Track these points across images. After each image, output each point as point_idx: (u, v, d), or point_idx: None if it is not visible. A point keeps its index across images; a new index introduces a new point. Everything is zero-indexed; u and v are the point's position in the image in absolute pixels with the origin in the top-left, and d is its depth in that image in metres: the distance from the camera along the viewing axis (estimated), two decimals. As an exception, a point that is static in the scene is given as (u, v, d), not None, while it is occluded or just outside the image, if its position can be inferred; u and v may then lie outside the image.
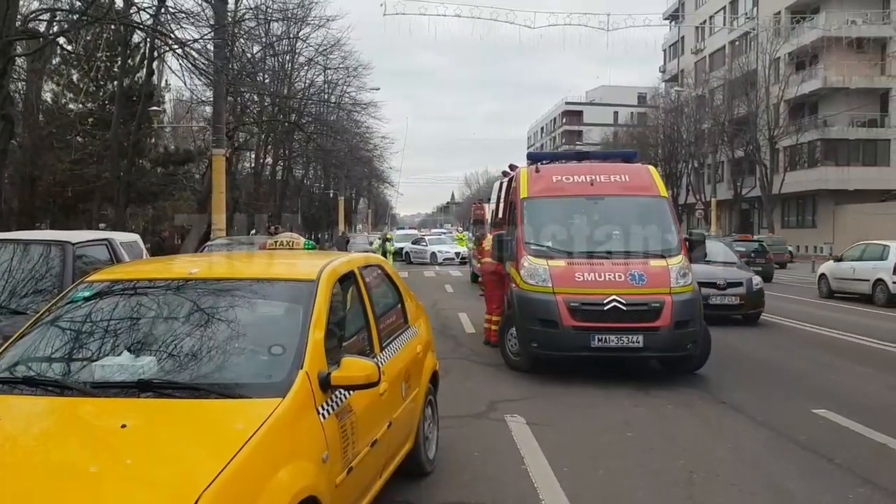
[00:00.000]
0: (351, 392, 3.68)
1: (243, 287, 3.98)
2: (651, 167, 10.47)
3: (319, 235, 50.59)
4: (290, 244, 4.99)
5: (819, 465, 5.74)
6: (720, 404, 7.71)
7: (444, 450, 5.74)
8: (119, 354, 3.57)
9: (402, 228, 72.26)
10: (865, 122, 47.17)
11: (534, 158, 10.65)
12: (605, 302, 8.41)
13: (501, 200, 11.62)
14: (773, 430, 6.71)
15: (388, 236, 26.11)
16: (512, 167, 11.61)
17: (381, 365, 3.64)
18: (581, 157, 11.06)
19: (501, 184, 12.09)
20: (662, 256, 8.91)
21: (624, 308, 8.39)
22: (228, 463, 2.72)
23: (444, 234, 44.33)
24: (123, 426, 2.97)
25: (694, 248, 9.24)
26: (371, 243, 33.46)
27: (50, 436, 3.09)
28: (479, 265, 12.51)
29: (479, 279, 13.09)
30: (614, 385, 8.40)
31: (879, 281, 19.05)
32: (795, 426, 6.82)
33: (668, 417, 7.16)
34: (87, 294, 4.02)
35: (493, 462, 5.76)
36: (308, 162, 44.48)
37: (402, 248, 38.32)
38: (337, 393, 3.59)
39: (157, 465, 2.73)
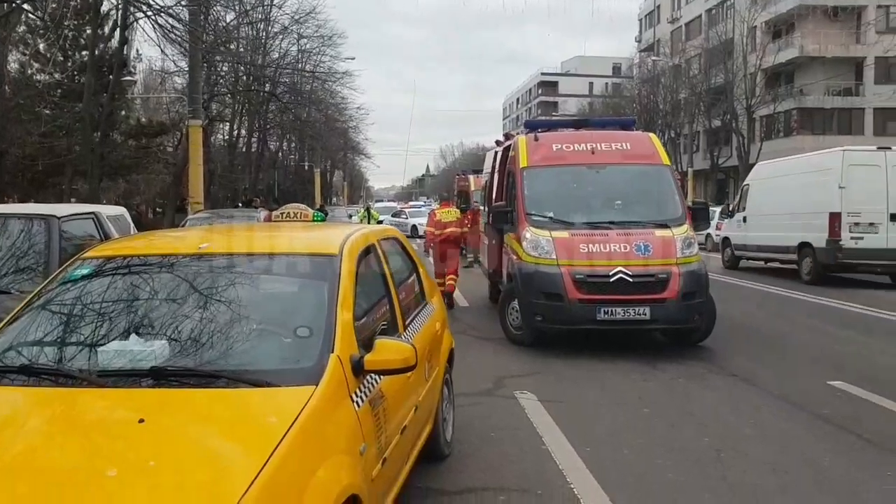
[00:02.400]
0: (381, 376, 3.37)
1: (260, 263, 3.63)
2: (652, 135, 10.20)
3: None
4: (298, 216, 4.62)
5: (849, 441, 5.55)
6: (731, 377, 7.52)
7: (458, 430, 5.46)
8: (126, 338, 3.22)
9: (381, 201, 71.57)
10: (841, 91, 47.32)
11: (531, 126, 10.33)
12: (610, 274, 8.16)
13: (496, 171, 11.30)
14: (792, 404, 6.52)
15: (373, 212, 25.62)
16: (507, 136, 11.28)
17: (415, 347, 3.32)
18: (579, 124, 10.74)
19: (496, 153, 11.75)
20: (667, 226, 8.67)
21: (630, 280, 8.14)
22: (266, 463, 2.40)
23: (424, 206, 43.88)
24: (141, 421, 2.62)
25: (697, 217, 8.99)
26: (351, 216, 32.94)
27: (54, 433, 2.72)
28: (433, 234, 12.47)
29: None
30: (620, 358, 8.18)
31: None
32: (814, 399, 6.63)
33: (681, 392, 6.95)
34: (85, 272, 3.65)
35: (511, 442, 5.50)
36: (283, 133, 43.76)
37: (381, 222, 37.87)
38: (368, 378, 3.28)
39: (184, 467, 2.40)
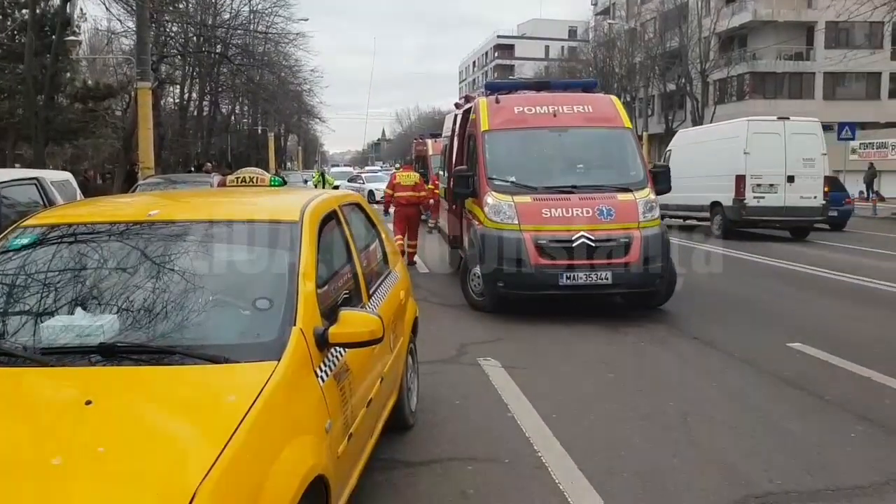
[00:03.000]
0: (346, 349, 3.22)
1: (214, 231, 3.41)
2: (614, 97, 10.09)
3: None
4: (255, 180, 4.40)
5: (811, 403, 5.58)
6: (693, 340, 7.54)
7: (421, 399, 5.36)
8: (72, 313, 3.00)
9: (337, 166, 70.60)
10: (793, 55, 47.89)
11: (492, 88, 10.13)
12: (573, 238, 8.09)
13: (456, 134, 11.10)
14: (754, 367, 6.55)
15: (328, 178, 25.24)
16: (467, 98, 11.07)
17: (382, 318, 3.17)
18: (541, 86, 10.57)
19: (455, 116, 11.54)
20: (629, 190, 8.61)
21: (592, 244, 8.08)
22: (225, 446, 2.23)
23: (380, 171, 43.43)
24: (89, 403, 2.43)
25: (659, 181, 8.94)
26: (306, 181, 32.43)
27: None
28: (390, 196, 12.61)
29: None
30: (582, 323, 8.15)
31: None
32: (775, 361, 6.67)
33: (644, 355, 6.94)
34: (24, 241, 3.40)
35: (477, 411, 5.41)
36: (236, 96, 42.75)
37: (337, 187, 37.41)
38: (333, 351, 3.12)
39: (136, 453, 2.22)
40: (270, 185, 4.49)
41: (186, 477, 2.11)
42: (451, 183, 9.60)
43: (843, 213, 19.98)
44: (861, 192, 33.38)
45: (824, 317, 8.76)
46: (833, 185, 18.55)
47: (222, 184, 4.65)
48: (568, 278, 8.06)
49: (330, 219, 3.81)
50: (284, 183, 4.75)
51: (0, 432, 2.35)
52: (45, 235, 3.43)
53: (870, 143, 34.71)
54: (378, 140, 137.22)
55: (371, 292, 4.07)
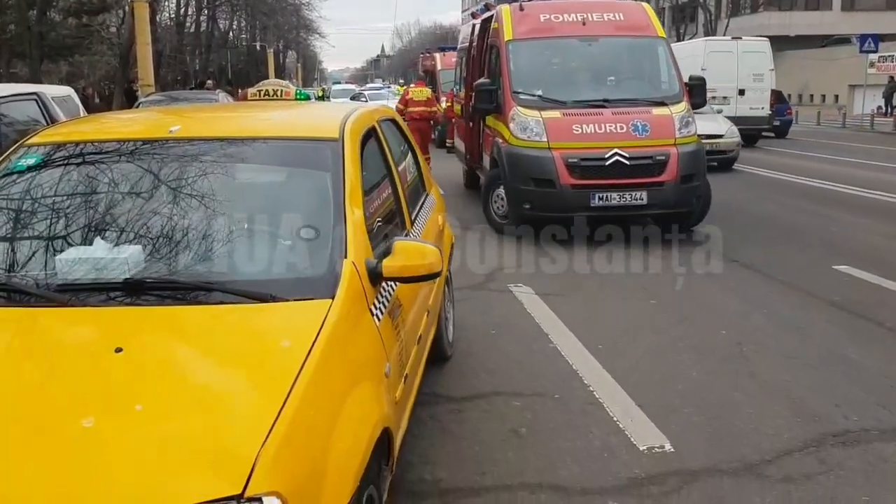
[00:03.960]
0: (397, 283, 2.86)
1: (245, 149, 3.01)
2: (646, 4, 9.46)
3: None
4: (279, 93, 3.96)
5: (869, 330, 5.26)
6: (732, 263, 7.18)
7: (455, 328, 5.04)
8: (89, 244, 2.63)
9: (338, 83, 68.99)
10: (810, -36, 46.04)
11: (516, -6, 9.48)
12: (606, 156, 7.64)
13: (475, 46, 10.50)
14: (801, 291, 6.22)
15: (326, 92, 24.53)
16: (487, 6, 10.41)
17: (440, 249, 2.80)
18: (566, -8, 9.90)
19: (473, 26, 10.89)
20: (664, 104, 8.12)
21: (627, 162, 7.65)
22: (285, 402, 1.89)
23: (383, 89, 42.37)
24: (118, 350, 2.08)
25: (695, 94, 8.43)
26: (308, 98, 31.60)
27: (5, 368, 2.13)
28: (401, 111, 12.24)
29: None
30: (614, 246, 7.76)
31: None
32: (822, 285, 6.34)
33: (686, 281, 6.59)
34: (31, 162, 3.00)
35: (515, 341, 5.10)
36: (234, 11, 41.37)
37: (340, 104, 36.54)
38: (384, 285, 2.76)
39: (180, 412, 1.88)
40: (296, 99, 4.06)
41: (243, 440, 1.78)
42: (473, 98, 9.07)
43: (784, 122, 22.52)
44: (879, 108, 32.58)
45: (860, 236, 8.38)
46: (778, 98, 21.37)
47: (243, 98, 4.20)
48: (600, 199, 7.66)
49: (370, 136, 3.39)
50: (309, 97, 4.31)
51: (16, 387, 2.00)
52: (54, 155, 3.03)
53: (889, 56, 33.62)
54: (378, 56, 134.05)
55: (413, 218, 3.69)
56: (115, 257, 2.50)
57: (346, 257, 2.52)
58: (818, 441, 3.66)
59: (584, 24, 8.58)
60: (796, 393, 4.20)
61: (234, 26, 46.19)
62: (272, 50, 50.46)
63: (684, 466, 3.44)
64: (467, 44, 11.34)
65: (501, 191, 8.34)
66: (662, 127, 7.84)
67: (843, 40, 39.18)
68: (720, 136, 14.11)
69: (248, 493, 1.68)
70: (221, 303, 2.34)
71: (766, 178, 13.56)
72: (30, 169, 2.98)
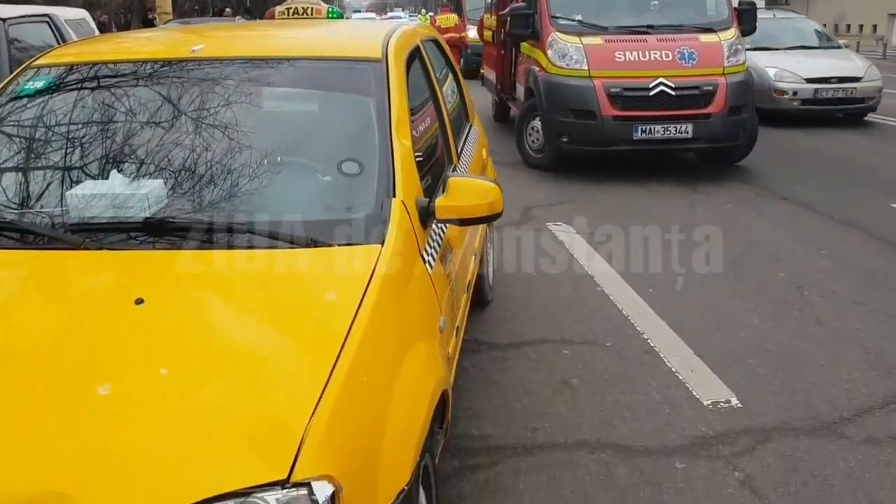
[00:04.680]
0: (446, 225, 2.54)
1: (276, 71, 2.66)
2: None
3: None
4: (310, 11, 3.58)
5: (943, 275, 4.91)
6: (782, 200, 6.78)
7: (494, 271, 4.74)
8: (104, 178, 2.33)
9: (359, 11, 67.38)
10: None
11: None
12: (651, 86, 7.18)
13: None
14: (861, 231, 5.83)
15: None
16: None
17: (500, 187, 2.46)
18: None
19: (506, -52, 10.27)
20: (712, 30, 7.58)
21: (672, 93, 7.18)
22: (334, 366, 1.61)
23: (405, 17, 41.23)
24: (139, 302, 1.80)
25: (745, 19, 7.89)
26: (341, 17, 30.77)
27: (4, 322, 1.86)
28: None
29: None
30: (656, 182, 7.37)
31: None
32: (883, 225, 5.94)
33: (734, 219, 6.21)
34: (39, 85, 2.68)
35: (558, 285, 4.79)
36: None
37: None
38: (434, 228, 2.44)
39: (211, 378, 1.60)
40: (328, 18, 3.68)
41: (287, 413, 1.50)
42: (507, 24, 8.56)
43: None
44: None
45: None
46: None
47: (271, 16, 3.83)
48: (643, 132, 7.22)
49: (414, 58, 3.02)
50: (342, 16, 3.93)
51: (18, 346, 1.73)
52: (65, 77, 2.70)
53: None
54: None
55: (458, 152, 3.35)
56: (134, 193, 2.20)
57: (394, 196, 2.21)
58: (900, 397, 3.35)
59: (626, -58, 8.00)
60: (870, 343, 3.88)
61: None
62: (291, -22, 49.13)
63: (754, 424, 3.15)
64: (499, -33, 10.71)
65: (537, 123, 7.92)
66: (710, 55, 7.34)
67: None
68: (857, 80, 10.62)
69: (294, 478, 1.40)
70: (254, 247, 2.04)
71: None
72: (38, 93, 2.67)
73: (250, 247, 2.04)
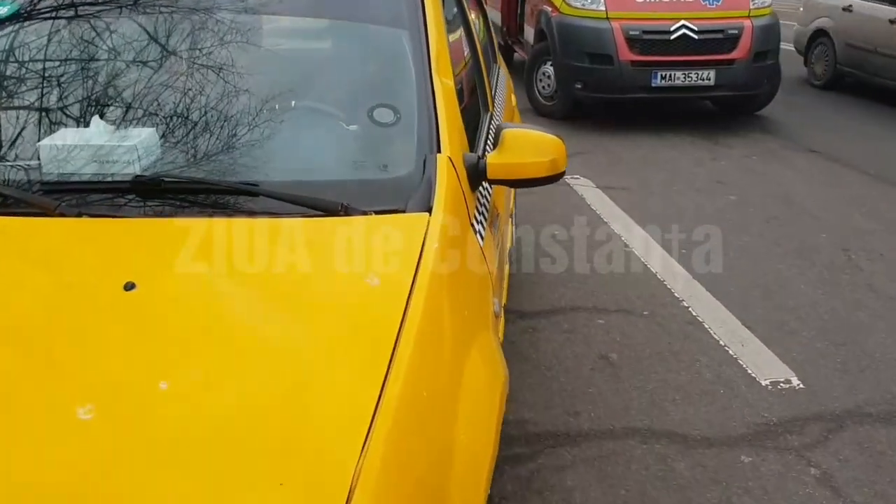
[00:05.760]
0: (493, 185, 2.14)
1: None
2: None
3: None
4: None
5: None
6: (811, 153, 6.39)
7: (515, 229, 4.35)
8: (85, 125, 1.90)
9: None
10: None
11: None
12: (672, 29, 6.70)
13: None
14: (898, 188, 5.47)
15: None
16: None
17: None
18: None
19: None
20: (738, -33, 7.09)
21: (695, 36, 6.70)
22: (386, 377, 1.22)
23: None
24: (129, 288, 1.39)
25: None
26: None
27: None
28: None
29: None
30: (674, 133, 6.95)
31: None
32: (922, 181, 5.59)
33: (763, 174, 5.83)
34: (3, 11, 2.22)
35: (585, 245, 4.41)
36: None
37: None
38: (482, 188, 2.04)
39: (225, 394, 1.21)
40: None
41: (330, 446, 1.12)
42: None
43: None
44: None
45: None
46: None
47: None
48: (663, 78, 6.77)
49: (444, -14, 2.58)
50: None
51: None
52: (35, 3, 2.25)
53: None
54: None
55: (493, 97, 2.92)
56: (120, 145, 1.78)
57: (439, 151, 1.80)
58: (979, 378, 3.02)
59: None
60: (932, 314, 3.55)
61: None
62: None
63: (823, 408, 2.82)
64: None
65: (548, 68, 7.43)
66: (736, -5, 6.86)
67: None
68: None
69: (344, 539, 1.03)
70: (271, 213, 1.63)
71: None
72: (3, 21, 2.22)
73: (269, 213, 1.63)
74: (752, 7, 6.91)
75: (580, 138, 6.84)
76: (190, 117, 1.91)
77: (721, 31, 6.76)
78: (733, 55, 6.80)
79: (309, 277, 1.48)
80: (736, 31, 6.78)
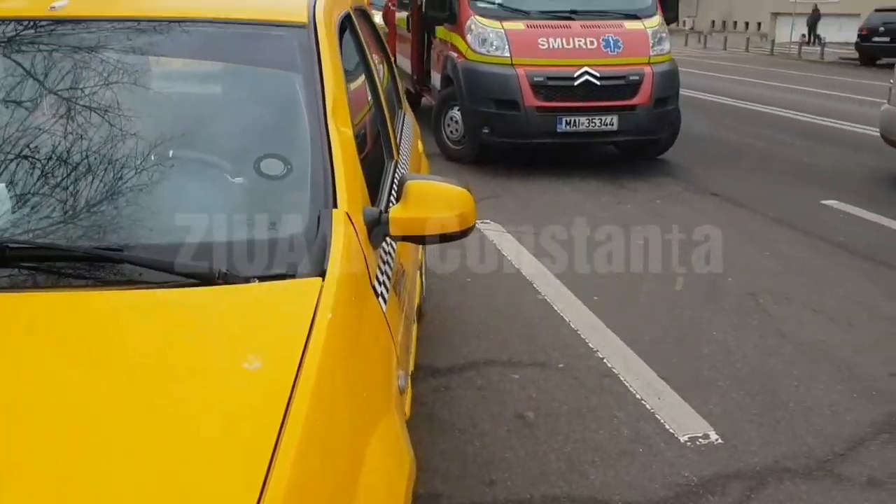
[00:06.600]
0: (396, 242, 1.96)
1: (170, 37, 2.00)
2: None
3: None
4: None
5: (891, 277, 4.67)
6: (713, 196, 6.51)
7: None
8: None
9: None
10: None
11: None
12: (575, 75, 6.77)
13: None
14: (797, 230, 5.58)
15: None
16: None
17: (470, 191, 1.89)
18: None
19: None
20: (637, 17, 7.26)
21: (598, 83, 6.79)
22: (263, 487, 1.00)
23: None
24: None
25: (667, 6, 7.60)
26: None
27: None
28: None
29: None
30: (580, 178, 6.98)
31: None
32: (818, 223, 5.74)
33: (669, 217, 5.86)
34: None
35: (496, 292, 4.29)
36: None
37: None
38: (384, 245, 1.86)
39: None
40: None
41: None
42: (423, 6, 7.99)
43: None
44: (803, 35, 32.65)
45: (836, 167, 7.80)
46: None
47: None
48: (567, 124, 6.81)
49: (345, 27, 2.41)
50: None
51: None
52: None
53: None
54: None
55: (398, 144, 2.76)
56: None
57: (335, 206, 1.61)
58: (891, 423, 3.00)
59: (547, -78, 7.54)
60: (841, 358, 3.55)
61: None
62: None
63: (743, 465, 2.73)
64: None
65: (456, 113, 7.39)
66: (636, 43, 7.00)
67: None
68: None
69: None
70: (136, 284, 1.40)
71: (715, 103, 12.94)
72: None
73: (133, 283, 1.40)
74: (651, 54, 7.06)
75: (489, 182, 6.79)
76: (50, 170, 1.67)
77: (623, 77, 6.88)
78: (635, 101, 6.91)
79: (173, 366, 1.24)
80: (637, 78, 6.91)
